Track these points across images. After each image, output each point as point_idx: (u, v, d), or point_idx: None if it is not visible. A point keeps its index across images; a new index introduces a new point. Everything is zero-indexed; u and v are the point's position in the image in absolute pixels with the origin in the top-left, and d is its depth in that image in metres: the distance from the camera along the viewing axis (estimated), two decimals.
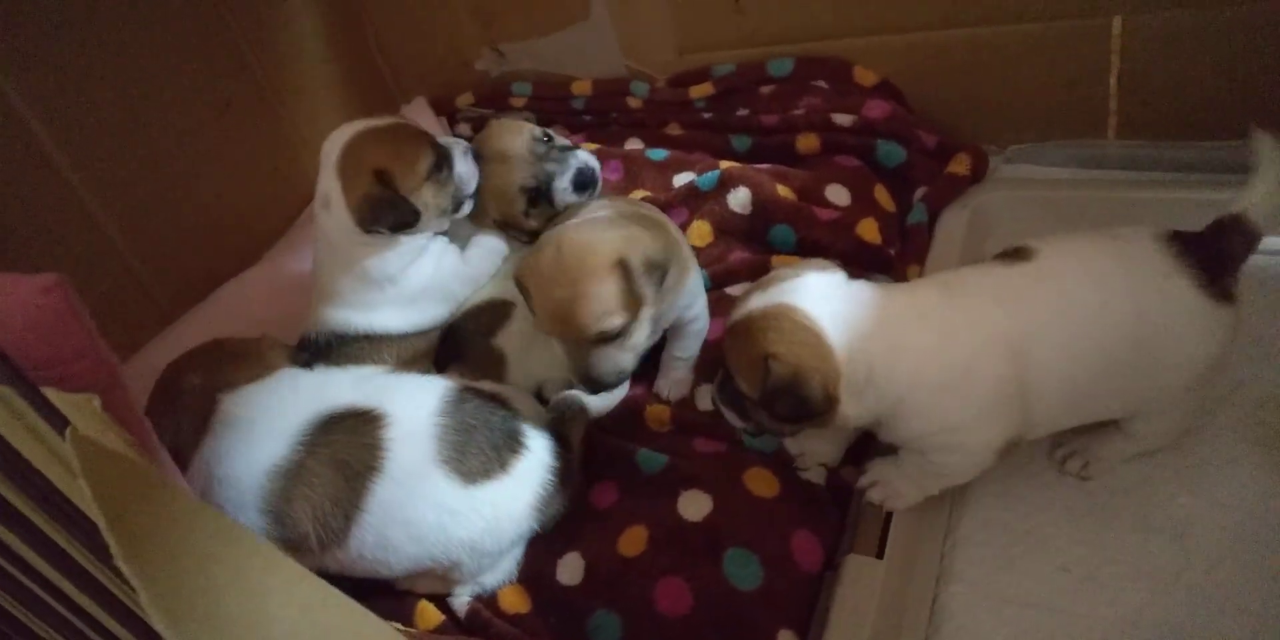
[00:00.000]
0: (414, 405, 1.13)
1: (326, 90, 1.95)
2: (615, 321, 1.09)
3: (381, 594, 1.16)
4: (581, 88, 1.96)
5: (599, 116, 1.95)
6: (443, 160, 1.35)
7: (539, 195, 1.38)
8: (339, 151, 1.31)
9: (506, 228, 1.45)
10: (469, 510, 1.09)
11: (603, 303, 1.08)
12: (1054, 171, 1.65)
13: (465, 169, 1.38)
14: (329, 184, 1.32)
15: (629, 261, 1.08)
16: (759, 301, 1.04)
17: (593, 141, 1.83)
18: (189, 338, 1.36)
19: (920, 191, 1.60)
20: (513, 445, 1.14)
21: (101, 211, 1.49)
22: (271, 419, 1.11)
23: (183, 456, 1.09)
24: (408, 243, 1.36)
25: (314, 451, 1.08)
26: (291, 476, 1.07)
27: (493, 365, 1.38)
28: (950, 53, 1.64)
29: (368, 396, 1.14)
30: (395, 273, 1.37)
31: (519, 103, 2.01)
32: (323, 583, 0.53)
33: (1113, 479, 1.16)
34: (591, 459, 1.26)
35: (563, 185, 1.38)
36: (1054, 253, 1.06)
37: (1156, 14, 1.44)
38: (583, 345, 1.12)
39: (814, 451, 1.20)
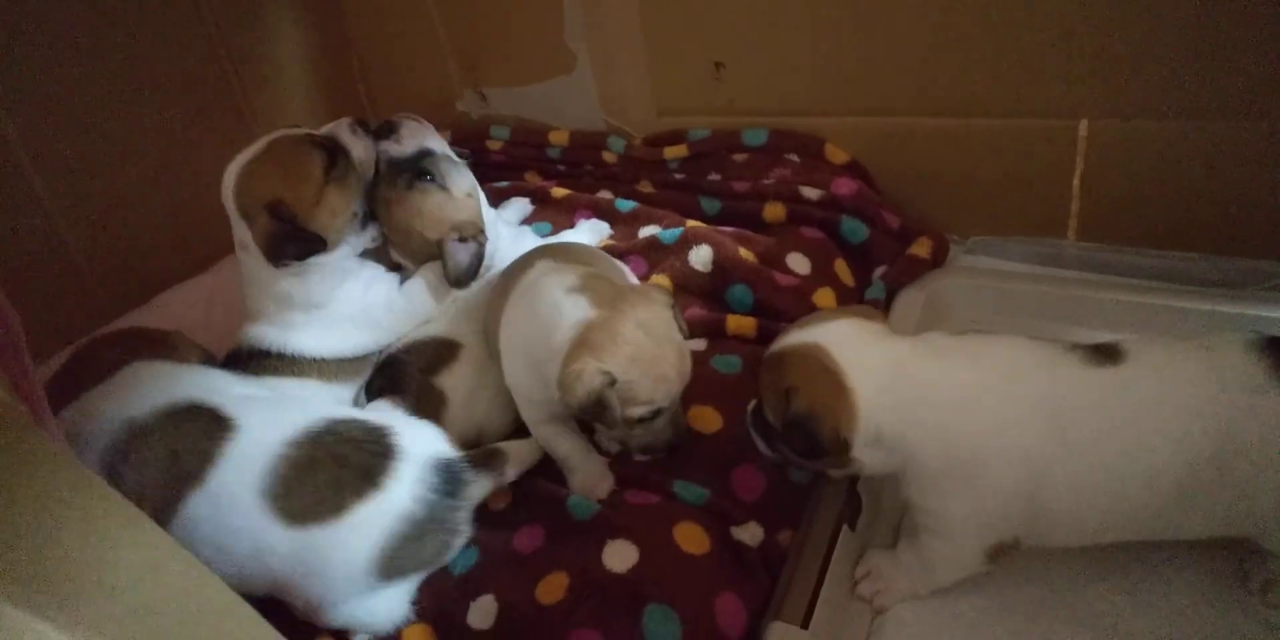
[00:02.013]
0: (269, 426, 1.08)
1: (302, 113, 1.95)
2: None
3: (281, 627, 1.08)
4: (559, 137, 1.98)
5: (573, 168, 1.97)
6: (334, 154, 1.32)
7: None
8: (233, 194, 1.29)
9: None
10: (287, 551, 1.02)
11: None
12: (1013, 265, 1.68)
13: (359, 149, 1.37)
14: (238, 229, 1.31)
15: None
16: (795, 337, 1.06)
17: (564, 189, 1.83)
18: None
19: (880, 270, 1.62)
20: (361, 487, 1.05)
21: (53, 204, 1.45)
22: (149, 388, 1.10)
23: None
24: (329, 263, 1.33)
25: (161, 428, 1.05)
26: (135, 438, 1.04)
27: (431, 404, 1.33)
28: (918, 139, 1.68)
29: (237, 404, 1.11)
30: (320, 298, 1.35)
31: (496, 146, 2.02)
32: (181, 550, 0.50)
33: (1046, 570, 1.14)
34: (522, 501, 1.22)
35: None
36: (1133, 358, 0.97)
37: (1123, 121, 1.49)
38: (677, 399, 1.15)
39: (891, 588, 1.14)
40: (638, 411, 1.11)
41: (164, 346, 1.23)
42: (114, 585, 0.40)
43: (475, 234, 1.40)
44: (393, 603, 1.10)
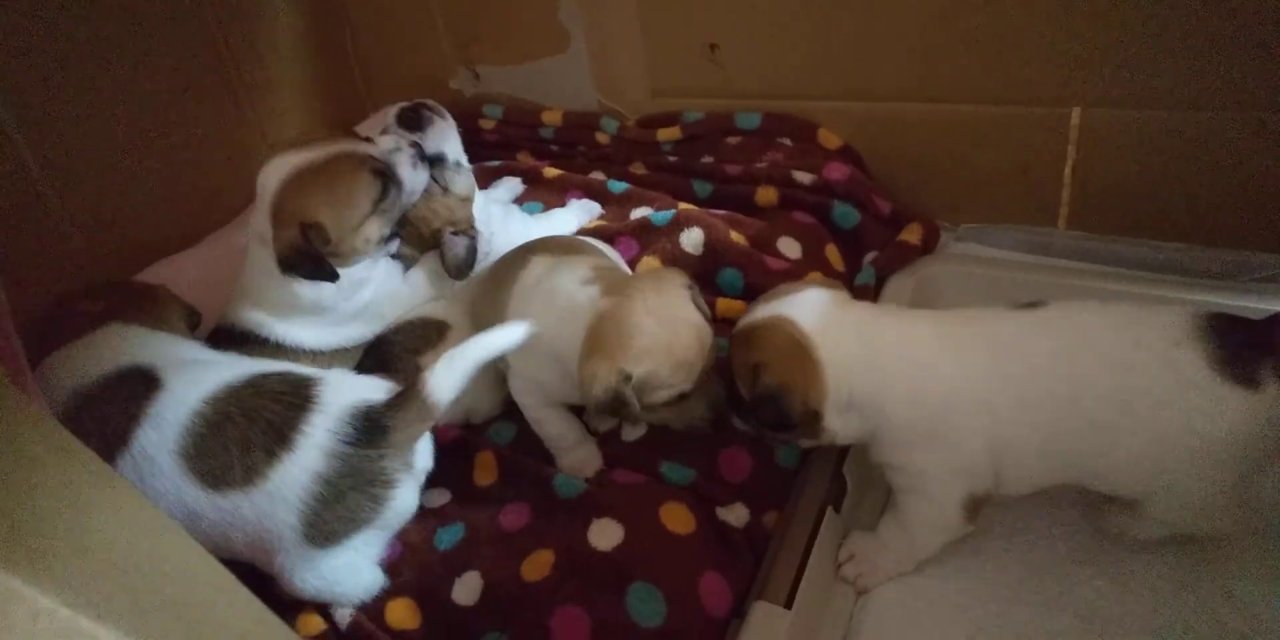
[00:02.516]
0: (191, 383, 1.05)
1: (295, 89, 1.93)
2: None
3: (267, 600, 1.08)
4: (552, 117, 1.96)
5: (566, 148, 1.96)
6: (388, 185, 1.29)
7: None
8: (273, 193, 1.24)
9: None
10: (216, 518, 0.98)
11: None
12: (1002, 253, 1.68)
13: (415, 182, 1.35)
14: (263, 223, 1.25)
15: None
16: (761, 312, 1.07)
17: (556, 169, 1.82)
18: None
19: (871, 255, 1.62)
20: (269, 444, 0.99)
21: (41, 173, 1.43)
22: (106, 353, 1.09)
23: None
24: (345, 275, 1.29)
25: (99, 394, 1.04)
26: (82, 404, 1.03)
27: None
28: (911, 125, 1.68)
29: (175, 365, 1.08)
30: (329, 304, 1.32)
31: (489, 125, 2.01)
32: (161, 515, 0.49)
33: (1029, 555, 1.15)
34: (509, 479, 1.22)
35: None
36: (1060, 307, 1.05)
37: (1116, 110, 1.49)
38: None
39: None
40: (661, 396, 1.09)
41: (148, 301, 1.20)
42: (88, 545, 0.39)
43: (467, 229, 1.44)
44: (356, 570, 1.07)
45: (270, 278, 1.27)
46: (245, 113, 1.79)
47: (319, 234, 1.23)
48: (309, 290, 1.29)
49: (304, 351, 1.33)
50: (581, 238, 1.43)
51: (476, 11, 1.96)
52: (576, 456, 1.25)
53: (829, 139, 1.74)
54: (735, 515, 1.15)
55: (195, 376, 1.06)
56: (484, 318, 1.32)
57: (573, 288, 1.16)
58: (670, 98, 1.89)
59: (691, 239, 1.52)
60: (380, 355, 1.38)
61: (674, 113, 1.88)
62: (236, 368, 1.09)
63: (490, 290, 1.33)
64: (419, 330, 1.39)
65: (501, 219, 1.56)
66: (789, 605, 1.03)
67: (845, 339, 1.03)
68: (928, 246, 1.64)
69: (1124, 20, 1.41)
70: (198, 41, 1.68)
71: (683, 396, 1.10)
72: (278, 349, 1.32)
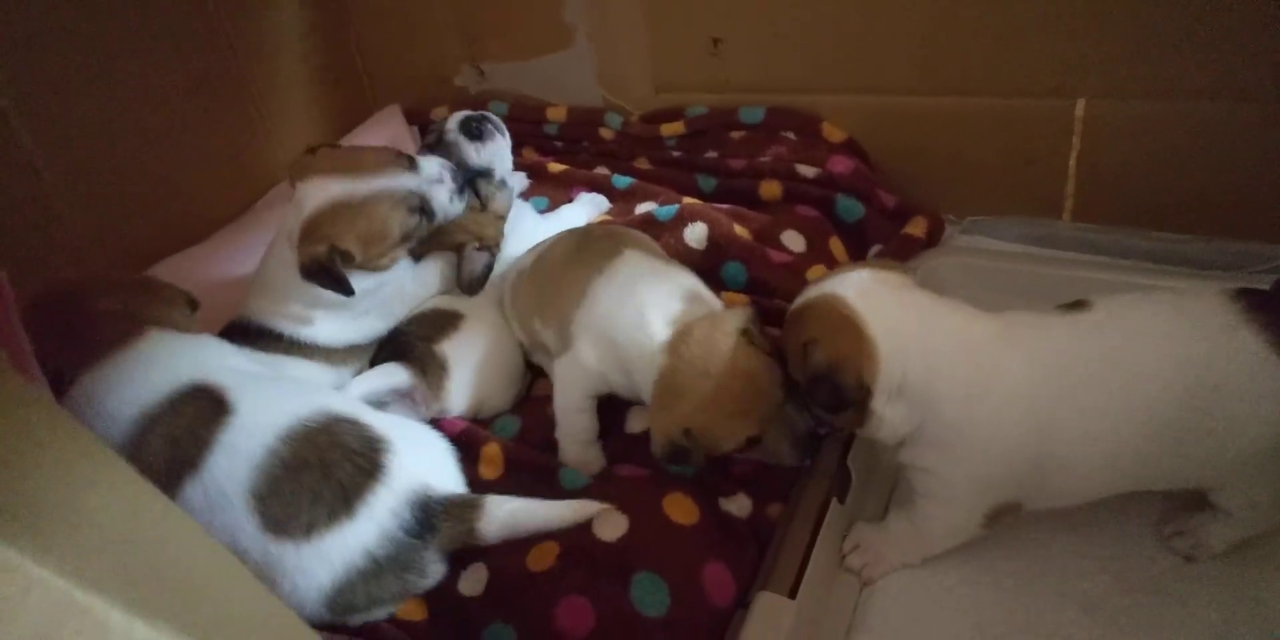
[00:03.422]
0: (266, 414, 1.03)
1: (301, 86, 1.94)
2: None
3: None
4: (556, 114, 1.97)
5: (570, 144, 1.96)
6: (421, 220, 1.31)
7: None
8: (310, 212, 1.25)
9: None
10: (257, 559, 0.96)
11: None
12: (1007, 245, 1.67)
13: (446, 208, 1.36)
14: (294, 230, 1.27)
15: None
16: (813, 291, 1.06)
17: (561, 164, 1.83)
18: None
19: (875, 249, 1.62)
20: (335, 507, 0.99)
21: (46, 167, 1.44)
22: (159, 365, 1.06)
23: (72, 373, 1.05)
24: (360, 283, 1.30)
25: (161, 418, 1.02)
26: (146, 429, 1.01)
27: (434, 369, 1.35)
28: (915, 118, 1.68)
29: (235, 383, 1.06)
30: (345, 303, 1.33)
31: None
32: (161, 496, 0.49)
33: (1033, 546, 1.14)
34: (513, 471, 1.23)
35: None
36: (1106, 307, 1.01)
37: (1120, 101, 1.49)
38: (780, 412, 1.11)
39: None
40: (728, 445, 1.09)
41: (154, 295, 1.18)
42: (86, 521, 0.40)
43: (492, 246, 1.47)
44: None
45: (292, 274, 1.29)
46: (251, 111, 1.80)
47: (346, 258, 1.26)
48: (330, 293, 1.30)
49: (318, 348, 1.35)
50: (657, 246, 1.44)
51: (482, 8, 1.97)
52: (583, 455, 1.25)
53: (832, 133, 1.73)
54: (738, 506, 1.15)
55: (263, 402, 1.05)
56: (543, 297, 1.33)
57: (651, 315, 1.16)
58: (674, 93, 1.89)
59: (695, 234, 1.52)
60: (396, 346, 1.40)
61: (678, 108, 1.89)
62: (303, 398, 1.08)
63: (561, 271, 1.32)
64: (431, 320, 1.41)
65: (513, 219, 1.57)
66: (793, 595, 1.03)
67: (903, 320, 1.00)
68: (932, 239, 1.64)
69: (1126, 11, 1.40)
70: (204, 38, 1.69)
71: (754, 441, 1.10)
72: (294, 345, 1.33)
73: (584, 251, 1.33)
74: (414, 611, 1.07)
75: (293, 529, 0.98)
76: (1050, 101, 1.54)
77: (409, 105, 2.10)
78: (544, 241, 1.46)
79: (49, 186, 1.45)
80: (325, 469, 1.00)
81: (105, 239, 1.55)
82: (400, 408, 1.35)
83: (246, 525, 0.97)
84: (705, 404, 1.06)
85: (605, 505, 1.10)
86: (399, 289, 1.42)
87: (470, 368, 1.36)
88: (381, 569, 1.00)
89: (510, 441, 1.29)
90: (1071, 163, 1.59)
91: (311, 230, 1.25)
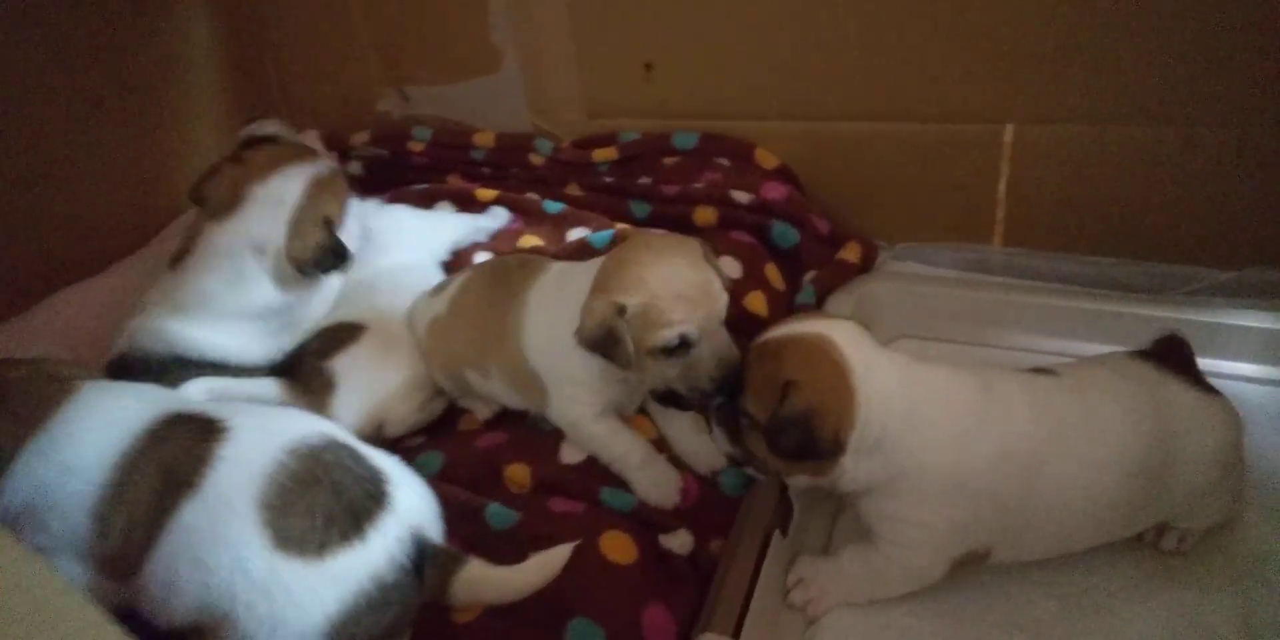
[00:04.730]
0: (266, 429, 0.98)
1: (212, 109, 1.85)
2: None
3: None
4: (484, 139, 1.92)
5: (498, 170, 1.91)
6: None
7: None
8: (296, 201, 1.30)
9: None
10: (260, 578, 0.89)
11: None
12: (939, 271, 1.68)
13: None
14: (273, 231, 1.28)
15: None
16: (801, 326, 1.00)
17: (490, 190, 1.78)
18: (8, 343, 1.26)
19: (810, 274, 1.60)
20: (347, 529, 0.92)
21: None
22: (124, 406, 0.99)
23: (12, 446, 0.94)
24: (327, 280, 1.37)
25: (145, 452, 0.94)
26: (125, 471, 0.93)
27: (319, 387, 1.28)
28: (846, 144, 1.68)
29: (214, 408, 1.01)
30: (295, 305, 1.34)
31: (417, 147, 1.95)
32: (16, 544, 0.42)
33: (981, 577, 1.12)
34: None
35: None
36: (1073, 370, 1.08)
37: (1048, 126, 1.51)
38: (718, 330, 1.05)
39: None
40: (662, 337, 1.00)
41: (59, 361, 1.07)
42: None
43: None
44: None
45: (237, 288, 1.29)
46: (157, 134, 1.71)
47: (333, 226, 1.33)
48: (290, 300, 1.33)
49: (229, 367, 1.30)
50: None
51: (404, 29, 1.91)
52: (651, 474, 1.15)
53: (766, 159, 1.72)
54: (679, 542, 1.10)
55: (257, 420, 0.99)
56: (473, 346, 1.28)
57: (578, 269, 1.14)
58: (606, 118, 1.86)
59: None
60: (289, 360, 1.35)
61: (610, 133, 1.86)
62: (294, 418, 1.04)
63: (485, 298, 1.28)
64: (330, 334, 1.35)
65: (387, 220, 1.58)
66: (737, 636, 0.98)
67: (886, 376, 0.97)
68: (866, 265, 1.64)
69: (1052, 36, 1.43)
70: (104, 60, 1.60)
71: (686, 345, 1.02)
72: (201, 367, 1.26)
73: (495, 278, 1.30)
74: None
75: (306, 546, 0.90)
76: (979, 127, 1.55)
77: (328, 131, 2.02)
78: (450, 282, 1.39)
79: None
80: (336, 488, 0.94)
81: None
82: None
83: (253, 538, 0.89)
84: (649, 278, 1.00)
85: (566, 550, 1.01)
86: (323, 298, 1.41)
87: (361, 386, 1.29)
88: (388, 600, 0.93)
89: (432, 479, 1.21)
90: (1001, 188, 1.60)
91: (307, 210, 1.30)
